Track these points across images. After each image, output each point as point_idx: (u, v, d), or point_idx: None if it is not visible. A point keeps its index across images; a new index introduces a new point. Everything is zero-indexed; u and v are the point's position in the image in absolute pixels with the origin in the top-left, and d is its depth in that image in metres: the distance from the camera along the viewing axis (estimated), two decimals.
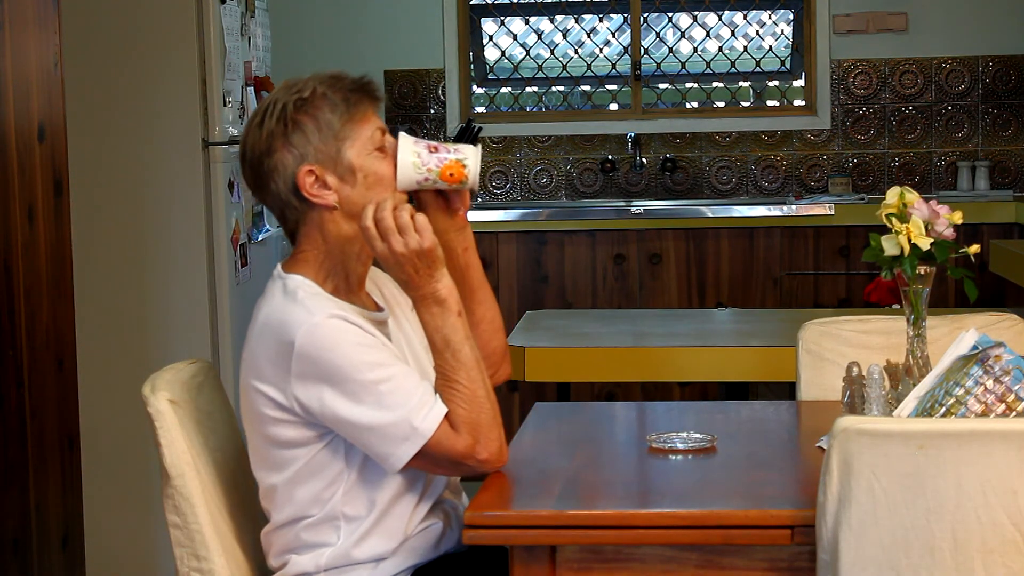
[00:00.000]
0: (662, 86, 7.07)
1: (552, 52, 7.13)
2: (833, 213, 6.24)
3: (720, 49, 7.08)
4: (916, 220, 2.69)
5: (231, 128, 5.23)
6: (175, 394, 2.74)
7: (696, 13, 7.07)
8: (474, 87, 7.10)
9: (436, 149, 2.75)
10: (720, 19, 7.07)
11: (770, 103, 7.01)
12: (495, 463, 2.66)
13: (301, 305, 2.66)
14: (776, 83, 7.03)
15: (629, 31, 7.05)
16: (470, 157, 2.75)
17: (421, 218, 2.64)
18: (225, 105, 5.17)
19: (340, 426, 2.64)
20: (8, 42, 3.38)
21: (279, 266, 2.78)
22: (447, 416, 2.63)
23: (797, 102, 6.96)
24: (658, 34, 7.07)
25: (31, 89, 3.51)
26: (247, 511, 2.90)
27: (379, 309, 2.83)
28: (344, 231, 2.73)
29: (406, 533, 2.75)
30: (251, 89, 5.45)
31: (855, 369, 2.82)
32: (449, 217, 2.86)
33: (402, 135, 2.76)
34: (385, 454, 2.62)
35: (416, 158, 2.73)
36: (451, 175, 2.73)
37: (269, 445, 2.71)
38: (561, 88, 7.15)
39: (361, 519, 2.72)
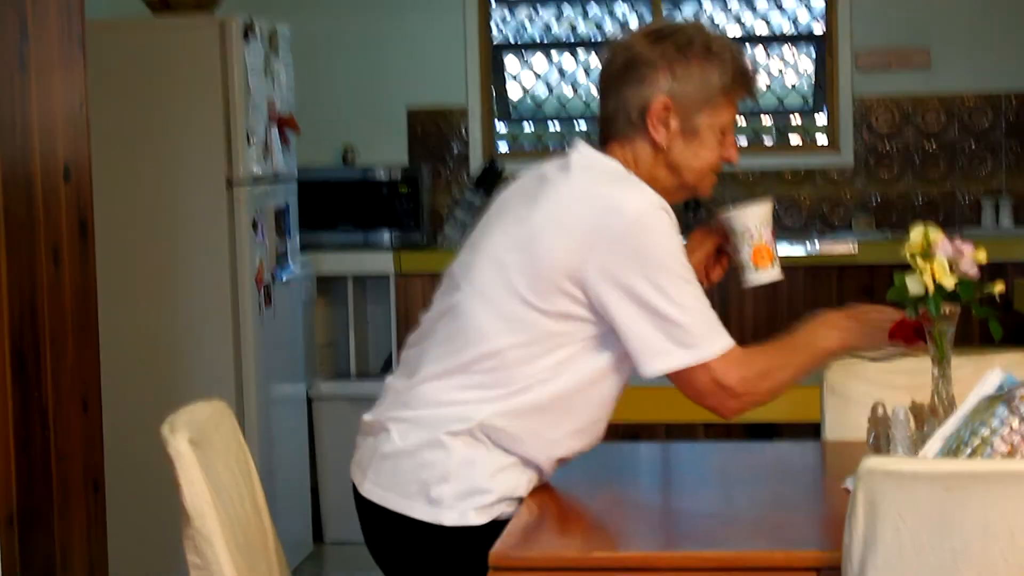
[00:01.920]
0: None
1: (575, 90, 7.14)
2: (857, 251, 6.22)
3: None
4: (940, 259, 2.68)
5: (255, 167, 5.24)
6: (194, 435, 2.74)
7: None
8: (497, 125, 7.12)
9: (773, 234, 2.93)
10: None
11: (793, 141, 7.01)
12: (733, 414, 2.77)
13: (631, 185, 2.75)
14: (799, 121, 7.03)
15: None
16: (779, 266, 2.93)
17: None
18: (249, 144, 5.19)
19: (627, 309, 2.69)
20: (34, 83, 3.40)
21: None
22: (734, 348, 2.73)
23: (820, 140, 6.96)
24: None
25: (56, 130, 3.52)
26: (266, 552, 2.89)
27: None
28: (652, 171, 2.83)
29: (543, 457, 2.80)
30: (275, 128, 5.46)
31: (880, 409, 2.81)
32: (700, 264, 2.98)
33: (770, 204, 2.95)
34: (658, 351, 2.69)
35: (765, 218, 2.91)
36: (761, 256, 2.90)
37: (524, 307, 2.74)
38: (584, 126, 7.16)
39: (537, 414, 2.77)
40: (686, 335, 2.69)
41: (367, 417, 2.92)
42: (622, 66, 2.84)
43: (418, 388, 2.82)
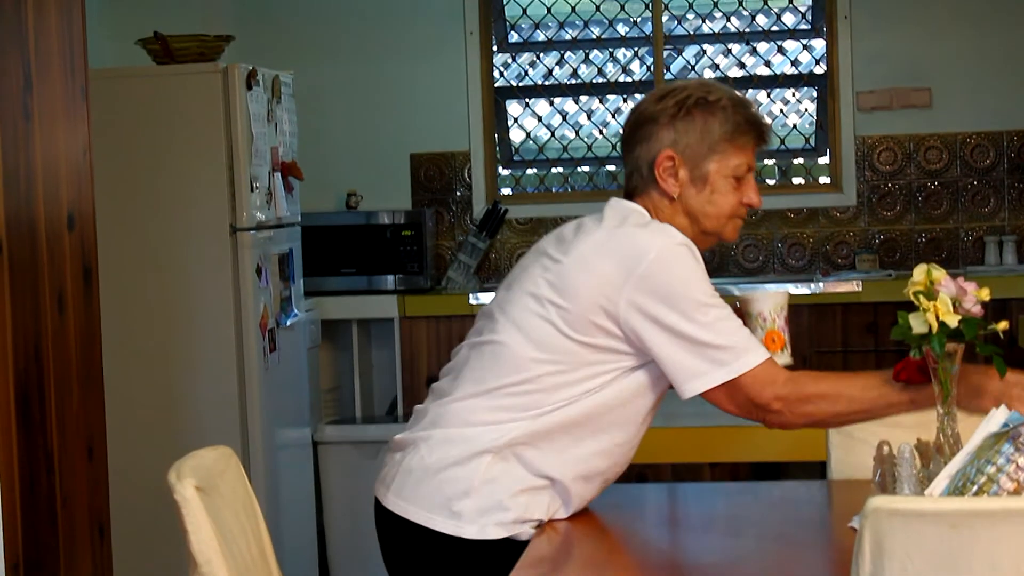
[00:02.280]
0: None
1: (577, 133, 7.16)
2: (861, 290, 6.23)
3: None
4: (944, 297, 2.68)
5: (259, 213, 5.25)
6: (200, 481, 2.74)
7: None
8: (500, 169, 7.13)
9: (788, 322, 3.04)
10: None
11: (795, 180, 7.02)
12: (783, 427, 2.90)
13: (655, 228, 2.92)
14: (801, 160, 7.05)
15: None
16: (788, 352, 3.03)
17: None
18: (252, 191, 5.20)
19: (663, 337, 2.83)
20: (38, 132, 3.41)
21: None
22: (769, 363, 2.86)
23: (822, 179, 6.97)
24: None
25: (60, 178, 3.53)
26: None
27: None
28: (672, 220, 3.00)
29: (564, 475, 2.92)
30: (278, 174, 5.48)
31: (886, 448, 2.81)
32: None
33: (786, 293, 3.09)
34: (694, 373, 2.83)
35: (780, 306, 3.02)
36: (772, 341, 3.00)
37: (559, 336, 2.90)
38: (587, 169, 7.18)
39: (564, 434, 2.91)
40: (719, 353, 2.84)
41: (397, 436, 3.05)
42: (632, 127, 3.05)
43: (450, 407, 2.96)
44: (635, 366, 2.92)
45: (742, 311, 3.06)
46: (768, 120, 3.12)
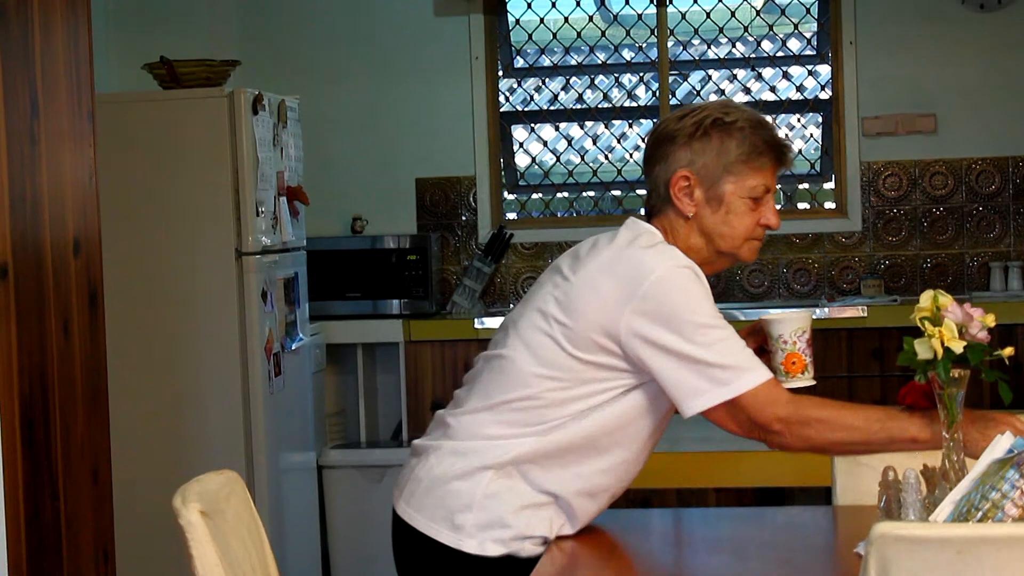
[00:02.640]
0: None
1: (582, 158, 7.17)
2: (866, 315, 6.23)
3: None
4: (949, 323, 2.68)
5: (264, 238, 5.26)
6: (205, 505, 2.74)
7: None
8: (505, 193, 7.14)
9: (809, 344, 3.03)
10: None
11: (801, 206, 7.03)
12: (783, 449, 2.90)
13: (660, 250, 2.94)
14: (806, 186, 7.05)
15: None
16: (810, 374, 3.02)
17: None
18: (258, 215, 5.20)
19: (660, 360, 2.84)
20: (44, 156, 3.42)
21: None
22: (771, 383, 2.86)
23: (828, 204, 6.97)
24: None
25: (66, 203, 3.54)
26: None
27: None
28: (688, 239, 3.01)
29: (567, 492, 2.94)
30: (284, 199, 5.49)
31: (891, 473, 2.80)
32: None
33: (808, 315, 3.07)
34: (695, 392, 2.83)
35: (801, 329, 3.01)
36: (793, 363, 3.00)
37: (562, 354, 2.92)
38: (592, 193, 7.18)
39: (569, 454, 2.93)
40: (720, 372, 2.84)
41: (416, 442, 3.10)
42: (652, 145, 3.07)
43: (461, 419, 3.01)
44: (636, 384, 2.93)
45: (764, 334, 3.06)
46: (789, 142, 3.09)
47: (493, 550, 2.91)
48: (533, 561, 2.86)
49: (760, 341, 3.09)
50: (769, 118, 7.00)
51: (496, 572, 2.91)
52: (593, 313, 2.90)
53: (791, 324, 3.01)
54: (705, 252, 3.03)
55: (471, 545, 2.91)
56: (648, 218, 3.08)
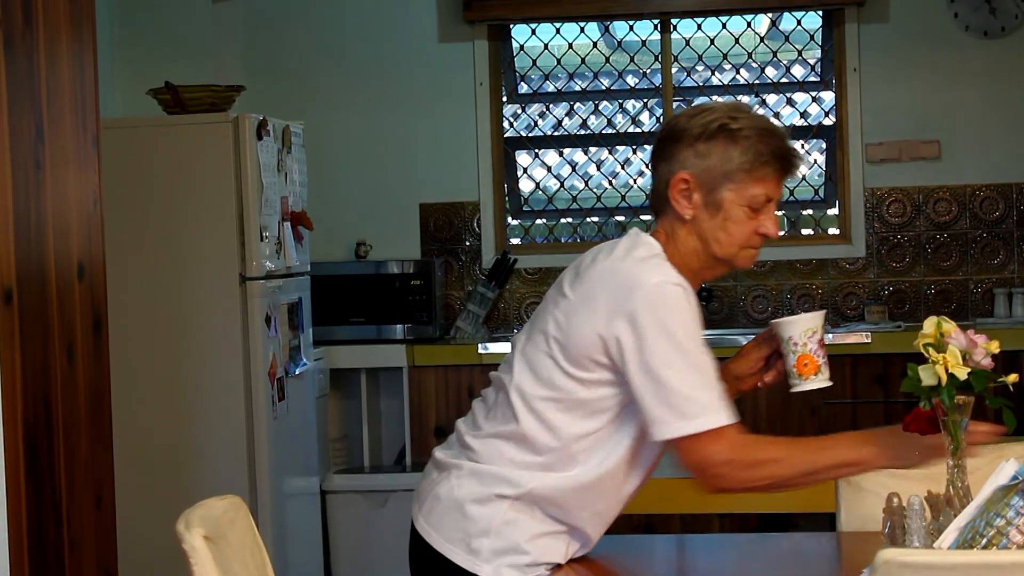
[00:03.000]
0: None
1: (586, 183, 7.17)
2: (870, 341, 6.23)
3: None
4: (953, 350, 2.68)
5: (268, 263, 5.26)
6: (209, 530, 2.73)
7: None
8: (509, 219, 7.14)
9: (821, 344, 3.00)
10: None
11: (805, 232, 7.03)
12: (713, 492, 2.87)
13: (653, 265, 2.89)
14: (810, 212, 7.05)
15: None
16: (825, 375, 3.00)
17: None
18: (262, 240, 5.21)
19: (640, 374, 2.81)
20: (48, 181, 3.42)
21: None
22: (734, 427, 2.81)
23: (832, 231, 6.97)
24: None
25: (71, 227, 3.54)
26: None
27: None
28: (686, 242, 2.97)
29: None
30: (288, 224, 5.49)
31: (895, 500, 2.80)
32: (750, 373, 3.10)
33: (819, 316, 3.03)
34: (658, 419, 2.80)
35: (811, 329, 2.98)
36: (805, 365, 2.97)
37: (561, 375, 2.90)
38: (596, 219, 7.19)
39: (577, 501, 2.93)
40: (686, 405, 2.80)
41: (439, 454, 3.08)
42: (660, 141, 3.03)
43: (481, 441, 2.99)
44: (629, 403, 2.89)
45: (775, 338, 3.04)
46: (798, 151, 3.05)
47: (509, 575, 2.91)
48: None
49: (773, 346, 3.07)
50: None
51: None
52: (585, 324, 2.88)
53: (800, 325, 2.98)
54: (701, 256, 2.98)
55: (487, 570, 2.91)
56: (653, 215, 3.06)
